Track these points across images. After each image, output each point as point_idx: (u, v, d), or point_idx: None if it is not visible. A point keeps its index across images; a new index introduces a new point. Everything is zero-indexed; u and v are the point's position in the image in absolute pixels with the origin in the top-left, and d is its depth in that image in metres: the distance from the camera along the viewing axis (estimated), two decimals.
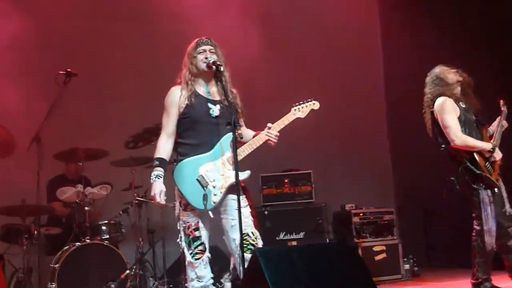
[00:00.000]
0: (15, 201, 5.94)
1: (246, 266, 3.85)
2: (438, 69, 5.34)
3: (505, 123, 5.31)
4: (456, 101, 5.19)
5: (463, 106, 5.20)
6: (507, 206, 5.07)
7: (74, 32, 7.26)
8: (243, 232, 3.97)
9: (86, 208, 5.97)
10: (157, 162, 4.20)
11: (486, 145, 5.09)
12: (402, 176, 8.40)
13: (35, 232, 5.92)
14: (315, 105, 4.42)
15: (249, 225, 4.16)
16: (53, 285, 5.52)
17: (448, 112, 5.11)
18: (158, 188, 4.15)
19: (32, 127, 5.91)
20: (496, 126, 5.29)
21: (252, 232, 4.17)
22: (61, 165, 6.54)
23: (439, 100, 5.19)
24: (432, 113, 5.23)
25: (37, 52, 6.88)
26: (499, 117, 5.32)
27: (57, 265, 5.56)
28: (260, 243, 4.16)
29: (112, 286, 5.67)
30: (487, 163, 5.05)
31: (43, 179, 6.07)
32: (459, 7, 7.40)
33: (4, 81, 6.56)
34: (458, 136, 5.04)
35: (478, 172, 4.98)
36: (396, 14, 8.38)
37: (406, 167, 8.22)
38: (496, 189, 5.02)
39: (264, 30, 7.70)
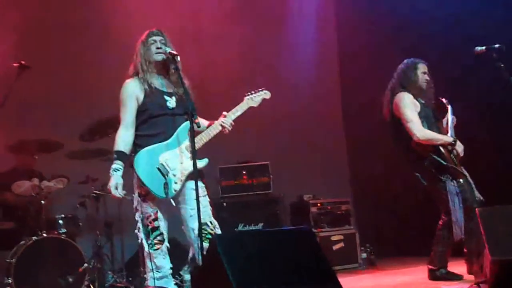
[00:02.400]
0: None
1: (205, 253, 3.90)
2: (412, 62, 5.46)
3: (454, 118, 5.49)
4: (416, 96, 5.33)
5: (422, 101, 5.33)
6: (477, 193, 5.23)
7: (26, 22, 7.10)
8: (202, 221, 3.98)
9: (42, 201, 5.90)
10: (115, 156, 4.21)
11: (448, 138, 5.24)
12: (357, 167, 8.56)
13: None
14: (266, 94, 4.55)
15: (207, 214, 4.21)
16: (10, 280, 5.42)
17: (409, 107, 5.24)
18: (114, 181, 4.16)
19: None
20: (447, 122, 5.45)
21: (210, 222, 4.22)
22: (15, 157, 6.42)
23: (399, 96, 5.31)
24: (391, 101, 5.36)
25: None
26: (447, 113, 5.51)
27: (13, 259, 5.47)
28: (218, 232, 4.21)
29: (70, 280, 5.61)
30: (451, 155, 5.19)
31: None
32: None
33: None
34: (420, 130, 5.16)
35: (445, 163, 5.12)
36: None
37: (362, 158, 8.38)
38: (461, 180, 5.16)
39: (217, 22, 7.73)
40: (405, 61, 5.51)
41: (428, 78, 5.43)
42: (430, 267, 5.33)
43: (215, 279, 3.04)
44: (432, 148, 5.17)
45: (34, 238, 5.62)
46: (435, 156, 5.15)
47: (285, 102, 7.26)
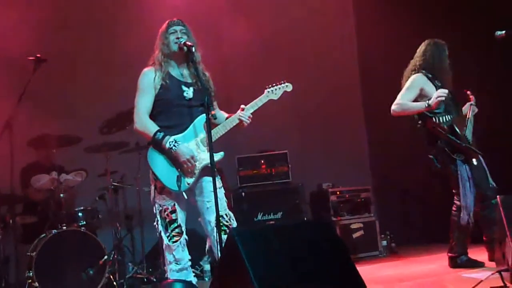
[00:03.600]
0: None
1: (222, 247, 3.89)
2: (442, 43, 5.42)
3: (475, 108, 5.47)
4: (436, 77, 5.27)
5: (439, 84, 5.28)
6: (491, 180, 5.19)
7: (43, 17, 7.11)
8: (221, 214, 4.00)
9: (61, 195, 5.94)
10: (161, 133, 4.10)
11: (421, 104, 5.18)
12: (378, 154, 8.48)
13: (10, 221, 5.88)
14: (288, 87, 4.49)
15: (223, 206, 4.20)
16: (31, 274, 5.47)
17: (409, 87, 5.28)
18: (187, 153, 4.10)
19: (2, 114, 5.85)
20: (469, 109, 5.43)
21: (226, 214, 4.21)
22: (34, 152, 6.47)
23: (413, 76, 5.32)
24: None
25: (4, 38, 6.75)
26: (469, 103, 5.50)
27: (34, 253, 5.52)
28: (234, 224, 4.21)
29: (91, 272, 5.65)
30: (463, 133, 5.18)
31: (17, 167, 5.98)
32: None
33: None
34: (396, 103, 5.23)
35: (459, 142, 5.09)
36: None
37: (382, 145, 8.29)
38: (475, 161, 5.11)
39: (237, 15, 7.63)
40: (433, 40, 5.45)
41: (448, 61, 5.40)
42: (449, 254, 5.31)
43: (235, 273, 3.03)
44: (447, 129, 5.14)
45: (54, 231, 5.67)
46: (450, 135, 5.12)
47: (303, 91, 7.21)
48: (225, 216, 4.20)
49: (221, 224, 4.09)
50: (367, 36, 8.53)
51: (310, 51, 8.30)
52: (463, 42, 6.61)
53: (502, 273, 4.06)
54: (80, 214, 6.01)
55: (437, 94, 5.08)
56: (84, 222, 5.97)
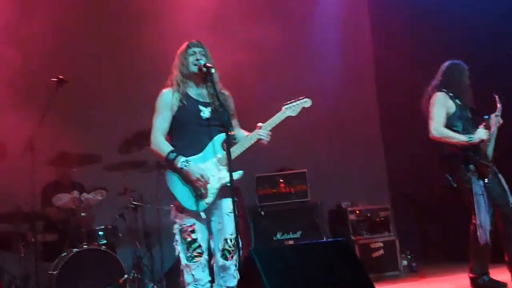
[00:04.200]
0: (10, 208, 5.96)
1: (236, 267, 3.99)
2: (461, 64, 5.42)
3: (500, 119, 5.34)
4: (455, 96, 5.27)
5: (459, 103, 5.27)
6: (510, 198, 5.09)
7: (63, 38, 7.24)
8: (226, 237, 4.10)
9: (82, 213, 5.99)
10: (174, 153, 4.11)
11: (463, 138, 5.14)
12: (396, 173, 8.44)
13: (32, 239, 5.92)
14: (307, 102, 4.35)
15: (230, 231, 4.13)
16: None
17: (438, 106, 5.24)
18: (197, 171, 4.09)
19: (25, 134, 5.92)
20: (494, 122, 5.30)
21: (231, 239, 4.14)
22: (55, 170, 6.52)
23: (435, 95, 5.31)
24: (429, 99, 5.33)
25: (25, 59, 6.78)
26: (494, 114, 5.34)
27: (55, 271, 5.57)
28: (237, 252, 4.10)
29: None
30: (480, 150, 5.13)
31: (38, 186, 6.04)
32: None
33: None
34: (436, 128, 5.16)
35: (473, 156, 5.08)
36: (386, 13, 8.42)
37: (400, 164, 8.26)
38: (486, 179, 5.07)
39: (252, 31, 7.62)
40: (453, 62, 5.44)
41: (469, 82, 5.38)
42: (470, 275, 5.24)
43: None
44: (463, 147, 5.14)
45: (75, 250, 5.71)
46: (464, 152, 5.13)
47: (321, 108, 7.18)
48: (225, 242, 4.19)
49: (224, 248, 4.12)
50: (384, 54, 8.52)
51: (328, 70, 8.26)
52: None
53: None
54: (100, 233, 6.04)
55: (481, 136, 5.10)
56: (104, 241, 6.00)
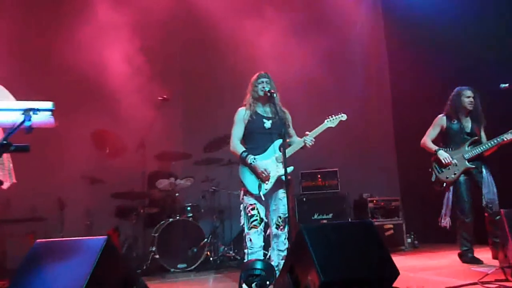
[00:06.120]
0: (127, 189, 6.06)
1: (286, 236, 4.03)
2: (457, 90, 5.15)
3: (505, 138, 4.88)
4: (458, 116, 5.06)
5: (460, 118, 5.04)
6: (485, 197, 4.88)
7: (171, 60, 7.21)
8: (279, 215, 4.12)
9: (176, 194, 6.05)
10: (246, 153, 4.16)
11: (433, 147, 5.10)
12: (404, 173, 8.20)
13: (141, 211, 6.03)
14: (343, 117, 4.35)
15: (283, 210, 4.16)
16: (153, 248, 5.61)
17: (433, 125, 5.19)
18: (261, 166, 4.13)
19: (138, 136, 6.03)
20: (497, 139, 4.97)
21: (280, 216, 4.16)
22: (158, 163, 6.60)
23: (438, 117, 5.16)
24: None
25: (146, 78, 6.66)
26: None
27: (156, 234, 5.65)
28: (286, 226, 4.15)
29: (194, 250, 5.73)
30: (435, 163, 5.10)
31: (146, 173, 6.18)
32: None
33: (123, 104, 6.44)
34: (423, 139, 5.19)
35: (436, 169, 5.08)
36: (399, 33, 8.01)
37: (407, 167, 8.02)
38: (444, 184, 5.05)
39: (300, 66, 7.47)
40: (457, 88, 5.19)
41: (472, 101, 5.07)
42: (459, 252, 5.10)
43: (302, 258, 2.98)
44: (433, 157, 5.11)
45: (170, 219, 5.78)
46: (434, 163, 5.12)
47: (349, 122, 7.02)
48: (279, 218, 4.16)
49: (277, 222, 4.14)
50: (398, 79, 8.13)
51: (353, 90, 8.02)
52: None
53: (505, 269, 3.85)
54: (188, 208, 6.10)
55: (443, 157, 5.00)
56: (191, 214, 6.05)
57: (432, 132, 5.18)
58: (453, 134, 5.05)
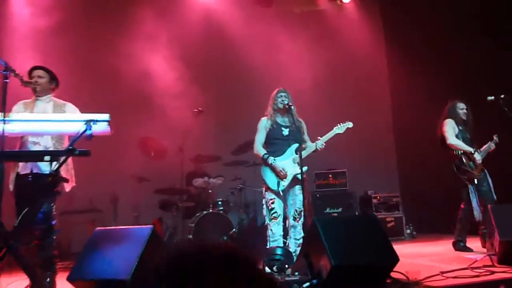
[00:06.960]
0: (168, 185, 6.12)
1: (301, 227, 4.02)
2: (452, 103, 5.10)
3: (493, 146, 5.02)
4: (457, 124, 5.00)
5: (461, 128, 5.00)
6: (493, 194, 4.83)
7: (202, 74, 7.05)
8: (295, 208, 4.14)
9: (209, 191, 6.10)
10: (267, 155, 4.23)
11: (469, 148, 4.90)
12: (404, 172, 8.10)
13: (180, 205, 6.09)
14: (349, 124, 4.39)
15: (299, 205, 4.18)
16: (190, 236, 5.64)
17: (449, 126, 5.01)
18: (280, 166, 4.17)
19: (177, 142, 6.09)
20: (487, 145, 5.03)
21: (296, 209, 4.18)
22: (194, 164, 6.61)
23: (445, 121, 5.05)
24: (441, 124, 5.08)
25: (185, 88, 6.52)
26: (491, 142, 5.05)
27: (193, 224, 5.68)
28: (302, 218, 4.14)
29: (224, 238, 5.72)
30: (470, 162, 4.86)
31: (184, 173, 6.23)
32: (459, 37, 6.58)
33: (166, 112, 6.39)
34: (452, 138, 4.93)
35: (464, 167, 4.82)
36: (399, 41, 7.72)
37: (406, 168, 7.95)
38: (476, 181, 4.80)
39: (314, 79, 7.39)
40: (451, 102, 5.15)
41: (466, 112, 5.05)
42: (453, 241, 5.01)
43: (316, 246, 3.00)
44: (458, 156, 4.88)
45: (204, 212, 5.79)
46: (458, 162, 4.88)
47: (355, 128, 6.95)
48: (295, 211, 4.17)
49: (294, 215, 4.16)
50: (398, 86, 7.92)
51: (355, 98, 7.81)
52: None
53: (492, 256, 3.80)
54: (219, 202, 6.07)
55: (478, 158, 4.88)
56: (222, 208, 6.03)
57: (452, 131, 5.00)
58: (464, 139, 4.99)
